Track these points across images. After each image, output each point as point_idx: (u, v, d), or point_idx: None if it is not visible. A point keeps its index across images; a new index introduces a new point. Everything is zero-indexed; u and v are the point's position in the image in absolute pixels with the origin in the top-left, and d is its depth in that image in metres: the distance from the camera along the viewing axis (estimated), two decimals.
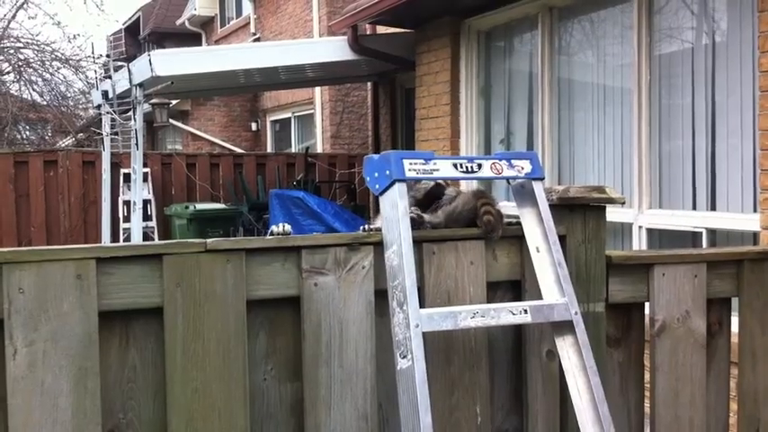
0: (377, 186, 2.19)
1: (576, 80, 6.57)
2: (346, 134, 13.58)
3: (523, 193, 2.37)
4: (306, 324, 2.09)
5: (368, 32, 10.44)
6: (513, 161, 2.32)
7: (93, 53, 9.55)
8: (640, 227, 5.65)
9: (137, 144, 8.19)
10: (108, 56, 9.02)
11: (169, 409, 1.95)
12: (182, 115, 17.41)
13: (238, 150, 15.68)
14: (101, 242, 10.43)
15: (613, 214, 5.69)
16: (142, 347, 1.97)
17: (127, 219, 10.14)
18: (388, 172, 2.16)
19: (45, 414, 1.82)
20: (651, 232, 5.62)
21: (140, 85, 8.19)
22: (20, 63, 17.29)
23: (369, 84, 12.08)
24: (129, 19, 25.89)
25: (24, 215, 11.13)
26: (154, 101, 8.91)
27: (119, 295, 1.91)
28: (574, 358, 2.19)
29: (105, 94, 9.11)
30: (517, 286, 2.39)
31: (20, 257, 1.81)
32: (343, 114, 13.56)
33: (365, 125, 13.25)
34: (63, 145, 17.29)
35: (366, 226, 2.33)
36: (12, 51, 17.51)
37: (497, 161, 2.30)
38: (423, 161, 2.20)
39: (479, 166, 2.27)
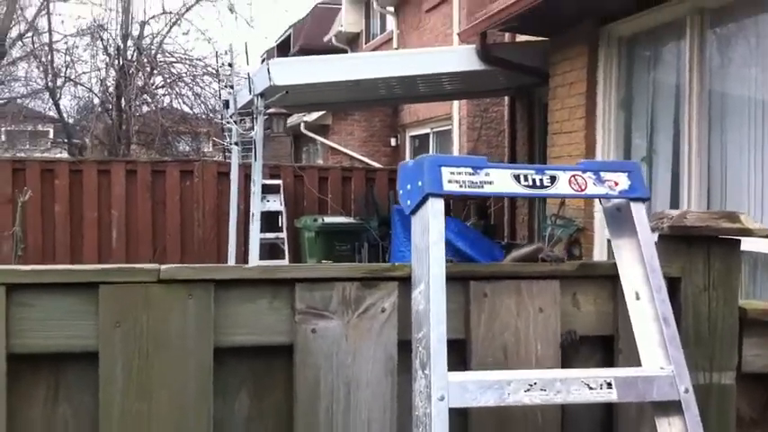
0: (408, 203, 1.63)
1: (731, 94, 5.68)
2: (484, 151, 12.96)
3: (620, 219, 1.73)
4: (298, 384, 1.55)
5: (506, 41, 9.83)
6: (602, 174, 1.69)
7: (216, 59, 9.42)
8: None
9: (255, 155, 7.92)
10: (230, 65, 8.87)
11: None
12: (322, 129, 17.35)
13: (376, 165, 15.37)
14: (227, 254, 10.29)
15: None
16: (76, 401, 1.48)
17: (261, 230, 9.91)
18: (420, 183, 1.59)
19: None
20: None
21: (261, 94, 7.92)
22: (172, 78, 17.73)
23: (507, 98, 11.45)
24: (281, 36, 26.38)
25: (160, 223, 11.18)
26: (271, 111, 8.68)
27: (42, 334, 1.44)
28: None
29: (227, 103, 8.94)
30: (608, 344, 1.75)
31: None
32: (482, 130, 12.96)
33: (503, 142, 12.60)
34: (216, 157, 17.55)
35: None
36: (165, 66, 17.98)
37: (579, 173, 1.67)
38: (470, 170, 1.61)
39: (552, 179, 1.65)
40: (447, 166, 1.60)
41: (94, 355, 1.45)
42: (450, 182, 1.59)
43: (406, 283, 1.59)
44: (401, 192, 1.67)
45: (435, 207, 1.56)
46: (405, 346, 1.58)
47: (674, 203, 5.96)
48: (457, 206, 11.23)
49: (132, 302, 1.45)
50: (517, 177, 1.63)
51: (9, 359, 1.41)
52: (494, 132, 12.93)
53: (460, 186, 1.59)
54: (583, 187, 1.67)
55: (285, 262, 10.56)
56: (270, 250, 10.85)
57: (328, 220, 10.61)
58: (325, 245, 10.18)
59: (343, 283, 1.57)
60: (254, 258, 7.99)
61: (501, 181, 1.62)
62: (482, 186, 1.61)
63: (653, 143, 6.51)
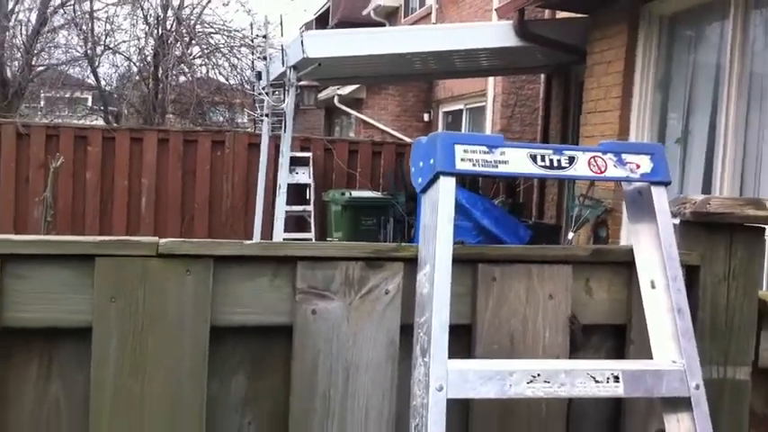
0: (419, 180, 1.58)
1: None
2: (517, 128, 12.80)
3: (640, 203, 1.67)
4: (296, 366, 1.50)
5: (546, 17, 9.66)
6: (624, 156, 1.62)
7: (251, 31, 9.31)
8: None
9: (285, 127, 7.88)
10: (264, 36, 8.80)
11: None
12: (356, 103, 17.27)
13: (406, 139, 15.28)
14: (253, 225, 10.31)
15: None
16: (70, 379, 1.46)
17: (287, 202, 9.94)
18: (432, 161, 1.53)
19: None
20: None
21: (294, 66, 7.87)
22: (210, 48, 17.70)
23: (543, 76, 11.27)
24: (320, 9, 26.26)
25: (189, 192, 11.21)
26: (302, 83, 8.62)
27: (37, 308, 1.40)
28: None
29: (259, 75, 8.89)
30: (620, 334, 1.69)
31: None
32: (516, 108, 12.79)
33: (537, 120, 12.43)
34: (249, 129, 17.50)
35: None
36: (203, 36, 17.94)
37: (599, 155, 1.60)
38: (485, 148, 1.55)
39: (571, 159, 1.58)
40: (461, 143, 1.54)
41: (89, 330, 1.42)
42: (463, 160, 1.53)
43: (412, 264, 1.54)
44: (413, 169, 1.62)
45: (446, 186, 1.50)
46: (409, 331, 1.53)
47: (707, 187, 5.82)
48: (486, 183, 11.14)
49: (129, 277, 1.41)
50: (533, 157, 1.57)
51: (2, 333, 1.38)
52: (528, 110, 12.77)
53: (474, 165, 1.53)
54: (602, 169, 1.60)
55: (311, 235, 10.57)
56: (297, 223, 10.86)
57: (356, 194, 10.58)
58: (351, 219, 10.17)
59: (347, 263, 1.52)
60: (278, 231, 7.99)
61: (516, 161, 1.56)
62: (496, 166, 1.55)
63: (688, 125, 6.37)
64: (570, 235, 7.05)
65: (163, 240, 1.43)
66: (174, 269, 1.43)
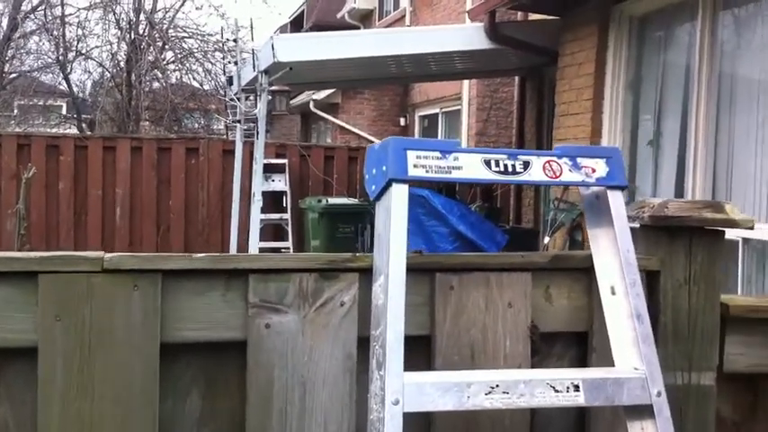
0: (373, 188, 1.55)
1: (742, 78, 5.53)
2: (493, 132, 12.81)
3: (598, 208, 1.65)
4: (251, 383, 1.47)
5: (519, 19, 9.67)
6: (579, 160, 1.60)
7: (222, 35, 9.26)
8: None
9: (257, 134, 7.83)
10: (235, 41, 8.74)
11: None
12: (332, 108, 17.22)
13: None
14: (230, 233, 10.24)
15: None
16: (18, 400, 1.41)
17: (264, 210, 9.90)
18: (384, 168, 1.50)
19: None
20: None
21: (266, 71, 7.81)
22: (183, 53, 17.58)
23: (517, 79, 11.28)
24: (294, 12, 26.19)
25: (164, 201, 11.10)
26: (273, 88, 8.55)
27: None
28: None
29: (230, 80, 8.84)
30: (582, 341, 1.67)
31: None
32: (491, 111, 12.80)
33: (512, 123, 12.45)
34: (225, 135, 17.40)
35: None
36: (176, 41, 17.82)
37: (555, 159, 1.58)
38: (438, 154, 1.52)
39: (526, 164, 1.56)
40: (413, 149, 1.51)
41: (36, 350, 1.38)
42: (416, 167, 1.50)
43: (368, 274, 1.51)
44: (367, 176, 1.59)
45: (399, 194, 1.47)
46: (367, 344, 1.50)
47: (680, 189, 5.84)
48: (462, 188, 11.13)
49: (74, 294, 1.38)
50: (488, 163, 1.54)
51: None
52: (503, 113, 12.78)
53: (427, 172, 1.51)
54: (557, 174, 1.58)
55: (289, 244, 10.51)
56: (273, 231, 10.79)
57: (332, 201, 10.51)
58: (328, 226, 10.11)
59: (301, 275, 1.49)
60: (253, 240, 7.94)
61: (470, 166, 1.53)
62: (450, 172, 1.52)
63: (660, 127, 6.38)
64: (546, 239, 7.06)
65: (108, 255, 1.39)
66: (121, 285, 1.40)
